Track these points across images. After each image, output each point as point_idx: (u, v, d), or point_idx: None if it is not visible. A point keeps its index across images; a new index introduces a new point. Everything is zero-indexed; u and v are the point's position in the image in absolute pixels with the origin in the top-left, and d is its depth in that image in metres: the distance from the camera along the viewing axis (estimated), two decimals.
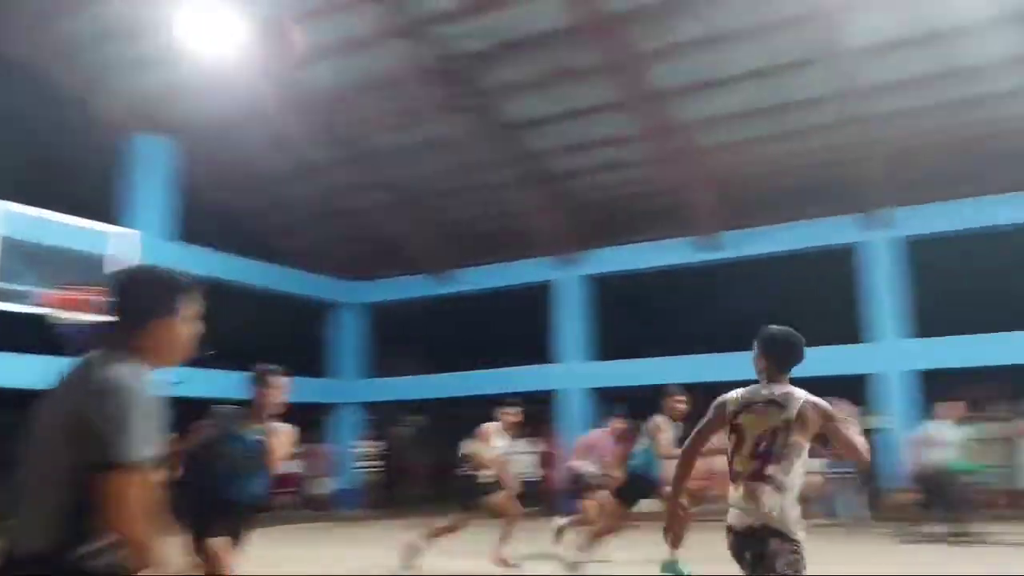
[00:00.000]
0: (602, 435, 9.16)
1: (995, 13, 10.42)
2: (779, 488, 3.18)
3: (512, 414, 8.08)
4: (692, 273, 14.99)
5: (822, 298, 13.62)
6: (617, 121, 13.19)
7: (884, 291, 12.99)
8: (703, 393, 7.47)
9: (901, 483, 10.72)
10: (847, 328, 13.10)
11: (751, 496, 3.20)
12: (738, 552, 3.24)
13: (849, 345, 12.94)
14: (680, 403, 7.30)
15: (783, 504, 3.17)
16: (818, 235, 13.55)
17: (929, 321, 12.65)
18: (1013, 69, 11.00)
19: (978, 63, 11.03)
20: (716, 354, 12.68)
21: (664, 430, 7.12)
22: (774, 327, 3.51)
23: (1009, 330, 11.90)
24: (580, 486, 9.01)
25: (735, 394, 3.42)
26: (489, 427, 7.97)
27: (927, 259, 12.86)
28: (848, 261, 13.42)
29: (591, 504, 8.70)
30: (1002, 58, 10.89)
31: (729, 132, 13.07)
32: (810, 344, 3.42)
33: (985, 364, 11.90)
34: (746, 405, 3.34)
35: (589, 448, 9.13)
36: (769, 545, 3.12)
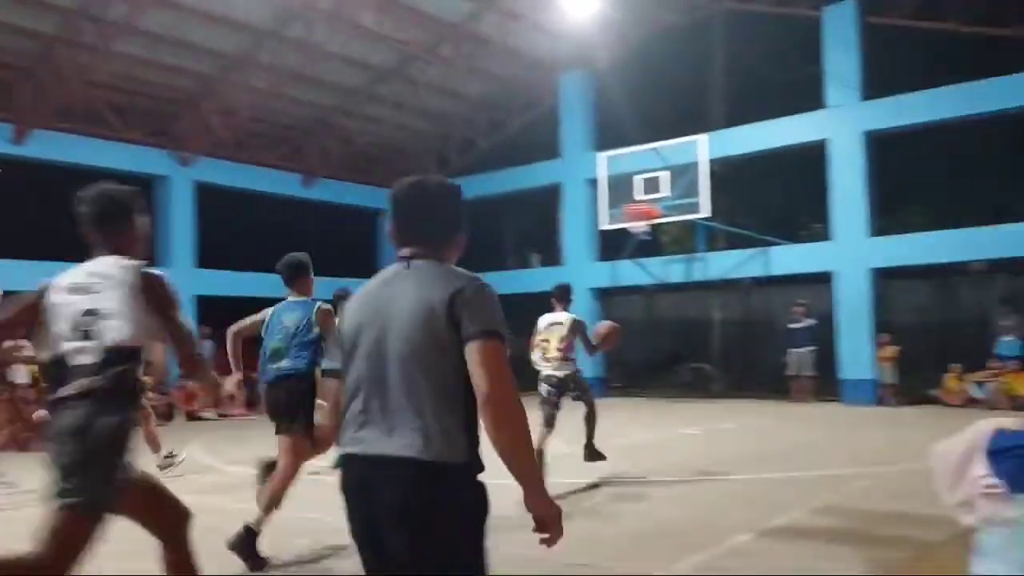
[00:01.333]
0: None
1: None
2: (569, 363, 7.06)
3: None
4: None
5: None
6: None
7: None
8: None
9: None
10: None
11: (560, 368, 6.97)
12: (556, 392, 6.93)
13: None
14: None
15: (575, 370, 7.08)
16: None
17: None
18: None
19: None
20: None
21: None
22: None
23: None
24: None
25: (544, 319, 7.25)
26: None
27: None
28: None
29: None
30: None
31: None
32: None
33: None
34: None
35: None
36: (580, 382, 7.10)
